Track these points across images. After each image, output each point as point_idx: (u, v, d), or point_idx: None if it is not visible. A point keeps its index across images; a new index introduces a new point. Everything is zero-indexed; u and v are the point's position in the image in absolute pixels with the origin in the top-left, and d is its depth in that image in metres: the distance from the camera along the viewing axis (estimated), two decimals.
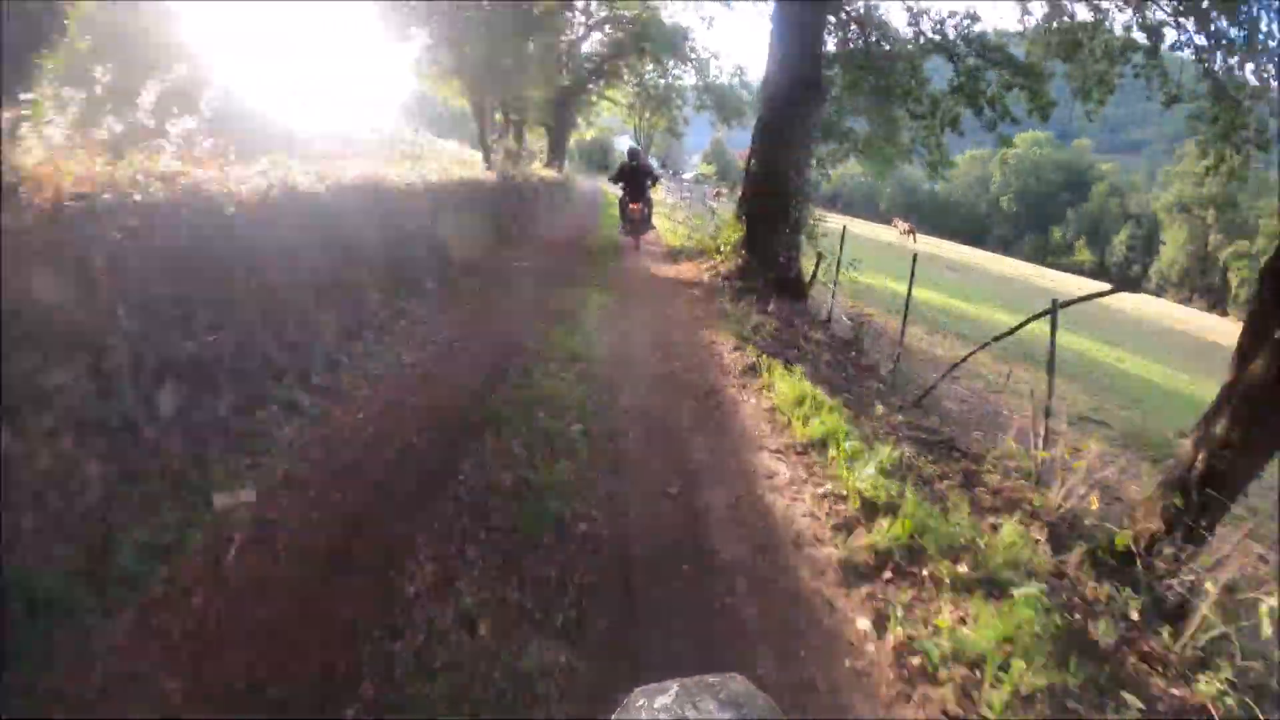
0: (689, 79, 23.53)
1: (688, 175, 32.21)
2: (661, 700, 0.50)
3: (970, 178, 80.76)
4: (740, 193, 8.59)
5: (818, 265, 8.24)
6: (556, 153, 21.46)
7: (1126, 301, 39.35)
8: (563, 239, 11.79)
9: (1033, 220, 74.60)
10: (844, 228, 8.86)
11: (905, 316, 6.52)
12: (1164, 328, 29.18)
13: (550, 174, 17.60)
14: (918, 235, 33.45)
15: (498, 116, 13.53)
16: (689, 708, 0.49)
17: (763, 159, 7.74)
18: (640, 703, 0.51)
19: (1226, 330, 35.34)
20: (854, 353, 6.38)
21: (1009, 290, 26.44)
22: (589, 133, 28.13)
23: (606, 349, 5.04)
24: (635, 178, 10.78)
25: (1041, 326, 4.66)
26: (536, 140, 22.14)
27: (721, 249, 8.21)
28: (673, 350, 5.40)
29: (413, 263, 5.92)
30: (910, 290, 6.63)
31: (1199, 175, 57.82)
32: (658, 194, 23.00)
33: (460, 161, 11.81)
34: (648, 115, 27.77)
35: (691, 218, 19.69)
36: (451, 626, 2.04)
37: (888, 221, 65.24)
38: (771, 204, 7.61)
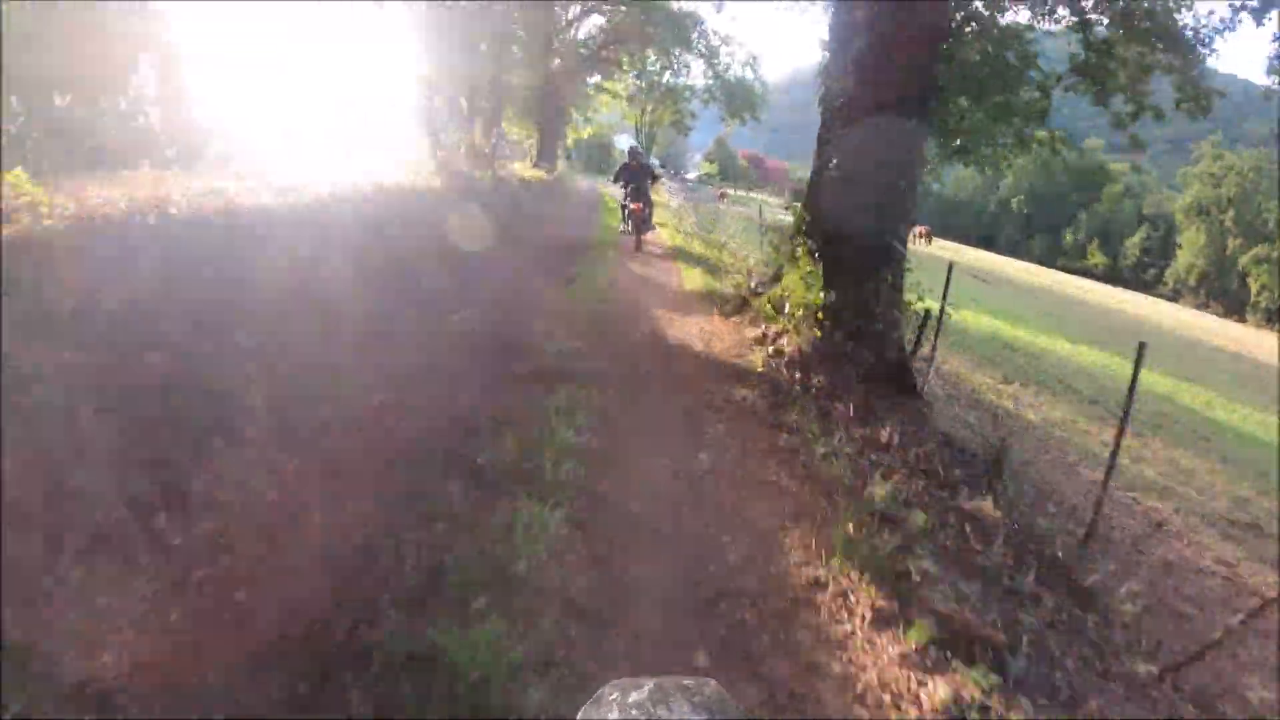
0: (697, 71, 20.58)
1: (691, 175, 29.43)
2: (635, 696, 0.49)
3: (977, 178, 78.53)
4: (803, 212, 5.55)
5: (924, 326, 5.30)
6: (545, 151, 18.49)
7: (1127, 302, 35.49)
8: (542, 264, 8.71)
9: (1043, 222, 72.42)
10: (950, 265, 5.91)
11: (1114, 458, 3.55)
12: (1197, 341, 25.61)
13: (536, 176, 14.60)
14: (932, 238, 30.58)
15: (462, 104, 10.51)
16: (661, 707, 0.48)
17: (851, 168, 4.70)
18: (613, 696, 0.50)
19: (1247, 339, 32.13)
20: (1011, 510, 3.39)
21: (1058, 308, 23.35)
22: (587, 130, 25.07)
23: (565, 652, 1.99)
24: (636, 178, 10.32)
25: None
26: (527, 137, 19.17)
27: (788, 309, 4.96)
28: (732, 630, 2.23)
29: (221, 380, 2.82)
30: (1132, 393, 3.65)
31: (1216, 176, 56.16)
32: (660, 196, 20.08)
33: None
34: (650, 109, 24.82)
35: (704, 226, 16.72)
36: None
37: None
38: (865, 243, 4.60)
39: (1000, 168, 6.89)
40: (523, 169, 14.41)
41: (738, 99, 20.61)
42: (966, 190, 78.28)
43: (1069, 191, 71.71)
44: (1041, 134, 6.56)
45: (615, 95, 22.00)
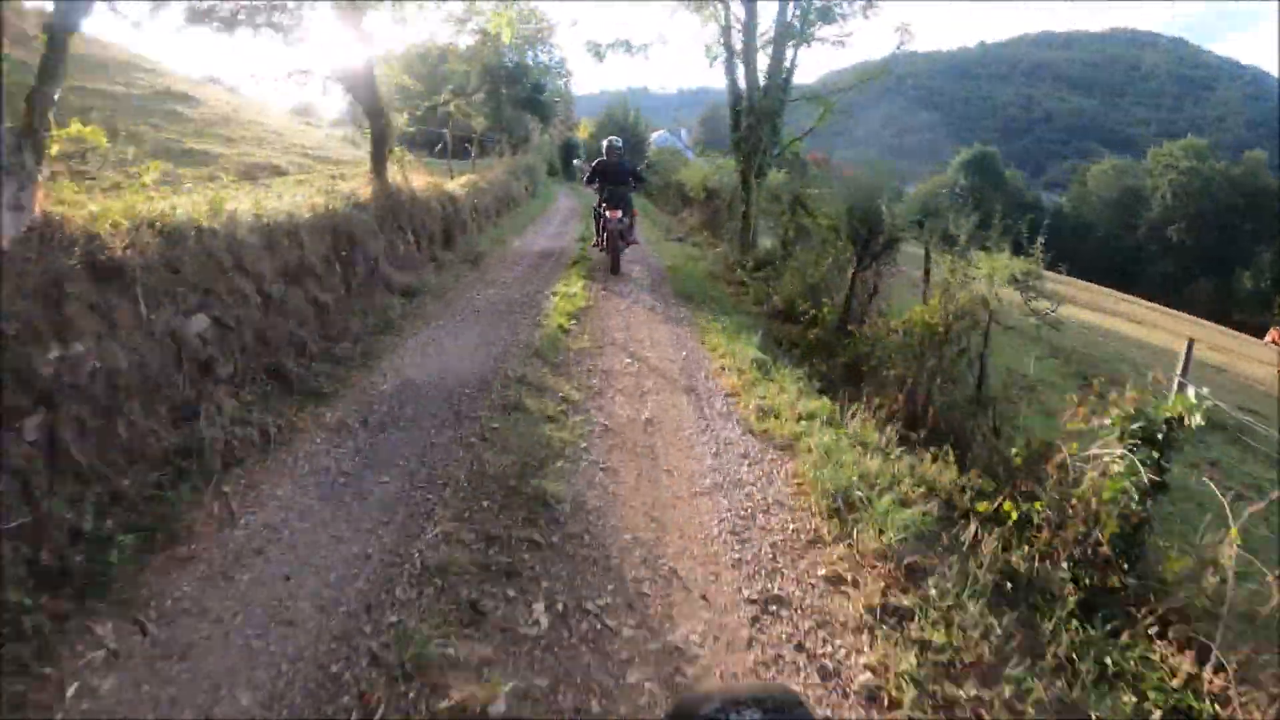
0: None
1: None
2: (706, 709, 0.49)
3: (1111, 195, 60.95)
4: None
5: None
6: None
7: None
8: None
9: (1205, 258, 54.24)
10: None
11: None
12: None
13: None
14: None
15: None
16: (733, 714, 0.48)
17: None
18: (685, 710, 0.50)
19: None
20: None
21: None
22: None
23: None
24: (615, 178, 8.88)
25: None
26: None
27: None
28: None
29: None
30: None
31: None
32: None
33: None
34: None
35: None
36: None
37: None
38: None
39: None
40: None
41: None
42: (1093, 210, 61.03)
43: (1237, 219, 54.26)
44: None
45: None
